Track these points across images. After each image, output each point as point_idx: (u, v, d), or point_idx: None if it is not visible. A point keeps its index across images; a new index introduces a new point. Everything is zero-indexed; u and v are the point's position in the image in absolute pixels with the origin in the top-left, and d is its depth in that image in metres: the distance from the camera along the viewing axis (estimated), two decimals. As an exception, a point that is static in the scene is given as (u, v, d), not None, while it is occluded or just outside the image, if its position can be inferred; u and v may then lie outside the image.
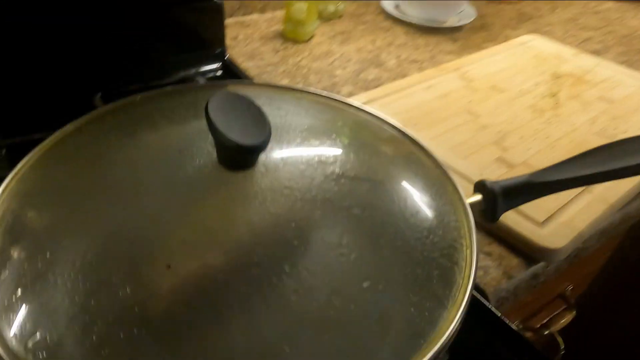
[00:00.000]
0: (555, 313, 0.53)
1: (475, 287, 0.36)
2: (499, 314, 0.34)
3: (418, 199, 0.29)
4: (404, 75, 0.61)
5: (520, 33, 0.77)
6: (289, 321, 0.21)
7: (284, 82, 0.57)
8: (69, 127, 0.29)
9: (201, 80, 0.54)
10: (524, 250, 0.39)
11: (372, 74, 0.61)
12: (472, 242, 0.27)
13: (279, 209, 0.25)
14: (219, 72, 0.57)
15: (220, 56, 0.58)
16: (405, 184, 0.29)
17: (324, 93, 0.34)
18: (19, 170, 0.26)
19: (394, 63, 0.64)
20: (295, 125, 0.30)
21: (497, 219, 0.31)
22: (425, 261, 0.25)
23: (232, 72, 0.57)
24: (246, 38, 0.66)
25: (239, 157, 0.24)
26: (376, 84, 0.59)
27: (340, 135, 0.32)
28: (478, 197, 0.31)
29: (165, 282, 0.22)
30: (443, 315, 0.23)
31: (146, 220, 0.24)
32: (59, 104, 0.46)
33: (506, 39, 0.75)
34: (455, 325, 0.23)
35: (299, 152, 0.28)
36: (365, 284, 0.23)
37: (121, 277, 0.21)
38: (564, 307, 0.53)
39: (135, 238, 0.23)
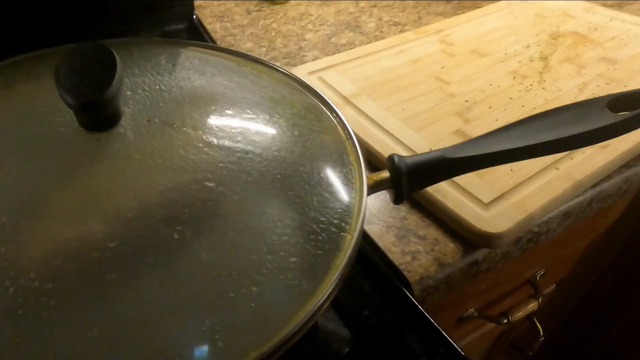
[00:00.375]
0: (519, 299, 0.49)
1: (397, 273, 0.34)
2: (416, 303, 0.31)
3: (314, 170, 0.26)
4: (381, 40, 0.57)
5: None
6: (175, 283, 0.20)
7: (247, 45, 0.54)
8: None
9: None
10: (462, 234, 0.35)
11: (344, 38, 0.57)
12: (355, 228, 0.24)
13: (137, 172, 0.23)
14: (184, 34, 0.55)
15: (186, 16, 0.56)
16: (297, 151, 0.26)
17: (253, 57, 0.32)
18: None
19: (372, 26, 0.60)
20: (200, 90, 0.28)
21: (402, 200, 0.27)
22: (296, 240, 0.23)
23: (198, 33, 0.55)
24: (220, -2, 0.63)
25: (83, 116, 0.22)
26: (347, 49, 0.55)
27: (250, 100, 0.29)
28: (385, 174, 0.28)
29: (37, 236, 0.21)
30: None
31: (10, 179, 0.23)
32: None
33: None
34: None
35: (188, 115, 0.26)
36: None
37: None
38: (530, 294, 0.49)
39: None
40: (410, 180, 0.27)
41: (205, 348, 0.20)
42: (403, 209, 0.38)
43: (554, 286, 0.64)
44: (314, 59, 0.52)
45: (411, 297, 0.32)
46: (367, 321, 0.32)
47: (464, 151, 0.27)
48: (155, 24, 0.54)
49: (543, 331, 0.56)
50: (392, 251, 0.35)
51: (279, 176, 0.24)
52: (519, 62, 0.52)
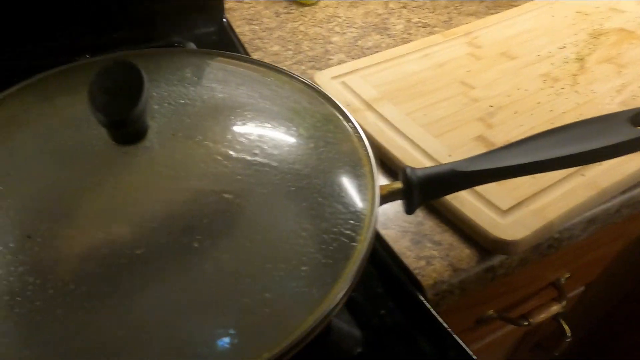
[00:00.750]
0: (541, 302, 0.49)
1: (410, 277, 0.35)
2: (428, 305, 0.32)
3: (327, 182, 0.27)
4: (408, 42, 0.57)
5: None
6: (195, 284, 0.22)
7: (274, 49, 0.55)
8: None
9: (190, 47, 0.54)
10: (477, 240, 0.36)
11: (371, 40, 0.57)
12: (365, 239, 0.25)
13: (169, 181, 0.25)
14: (213, 37, 0.57)
15: (216, 19, 0.57)
16: (312, 163, 0.28)
17: (275, 67, 0.34)
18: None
19: (400, 28, 0.60)
20: (223, 103, 0.30)
21: (413, 211, 0.28)
22: (308, 249, 0.24)
23: (227, 37, 0.56)
24: (251, 0, 0.65)
25: (113, 132, 0.24)
26: (373, 52, 0.55)
27: (269, 112, 0.31)
28: (398, 185, 0.29)
29: (71, 243, 0.23)
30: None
31: (45, 190, 0.25)
32: (41, 64, 0.48)
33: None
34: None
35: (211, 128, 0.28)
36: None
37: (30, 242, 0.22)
38: (553, 297, 0.49)
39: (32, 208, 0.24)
40: (421, 192, 0.28)
41: (221, 348, 0.21)
42: (420, 214, 0.39)
43: (582, 288, 0.63)
44: (339, 63, 0.53)
45: (424, 300, 0.33)
46: (379, 322, 0.33)
47: (476, 164, 0.27)
48: (185, 28, 0.56)
49: (571, 332, 0.56)
50: (406, 255, 0.36)
51: (293, 188, 0.26)
52: (552, 64, 0.51)
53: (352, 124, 0.31)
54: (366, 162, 0.29)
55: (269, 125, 0.29)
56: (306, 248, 0.24)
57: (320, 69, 0.52)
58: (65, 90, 0.32)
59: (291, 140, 0.29)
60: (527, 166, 0.27)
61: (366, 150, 0.30)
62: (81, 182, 0.25)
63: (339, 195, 0.27)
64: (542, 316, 0.47)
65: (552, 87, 0.48)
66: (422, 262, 0.35)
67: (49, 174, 0.25)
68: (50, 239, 0.22)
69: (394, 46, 0.56)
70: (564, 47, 0.54)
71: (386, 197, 0.29)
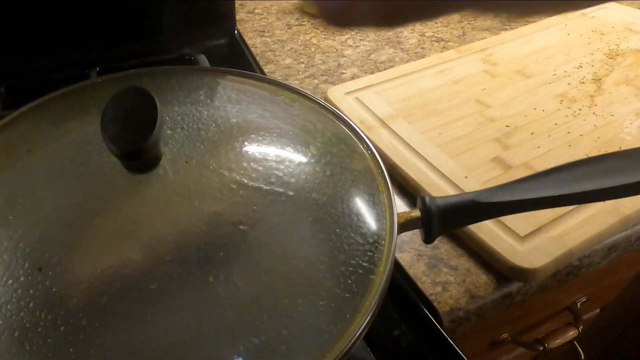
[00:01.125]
0: (557, 326, 0.48)
1: (426, 303, 0.34)
2: (444, 333, 0.31)
3: (345, 211, 0.27)
4: (421, 57, 0.56)
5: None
6: (208, 312, 0.21)
7: (286, 61, 0.55)
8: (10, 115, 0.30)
9: (201, 60, 0.53)
10: (495, 266, 0.35)
11: (384, 54, 0.57)
12: (384, 271, 0.24)
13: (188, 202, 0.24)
14: (225, 49, 0.57)
15: (228, 32, 0.57)
16: (328, 191, 0.27)
17: (286, 85, 0.33)
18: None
19: (414, 42, 0.59)
20: (236, 125, 0.29)
21: (432, 241, 0.28)
22: (325, 283, 0.24)
23: (238, 49, 0.56)
24: (263, 11, 0.64)
25: (126, 162, 0.24)
26: (386, 66, 0.55)
27: (282, 134, 0.30)
28: (417, 213, 0.28)
29: (83, 276, 0.22)
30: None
31: (55, 219, 0.24)
32: (53, 78, 0.48)
33: (568, 8, 0.66)
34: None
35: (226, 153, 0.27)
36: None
37: (42, 265, 0.22)
38: (569, 321, 0.48)
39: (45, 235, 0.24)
40: (440, 222, 0.27)
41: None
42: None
43: (597, 311, 0.62)
44: (352, 77, 0.52)
45: (440, 327, 0.33)
46: (394, 347, 0.32)
47: (497, 196, 0.26)
48: (197, 40, 0.55)
49: (584, 353, 0.54)
50: (422, 281, 0.35)
51: (310, 219, 0.25)
52: (568, 84, 0.50)
53: (367, 144, 0.31)
54: (383, 189, 0.29)
55: (284, 150, 0.28)
56: (324, 281, 0.23)
57: (333, 82, 0.51)
58: (75, 111, 0.31)
59: (307, 166, 0.28)
60: (552, 199, 0.26)
61: (384, 177, 0.29)
62: (92, 211, 0.24)
63: (357, 225, 0.26)
64: (558, 341, 0.46)
65: (569, 107, 0.47)
66: (439, 288, 0.34)
67: (59, 203, 0.24)
68: (62, 271, 0.22)
69: (407, 60, 0.55)
70: (580, 66, 0.53)
71: (404, 226, 0.28)
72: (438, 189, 0.38)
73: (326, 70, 0.54)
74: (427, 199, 0.28)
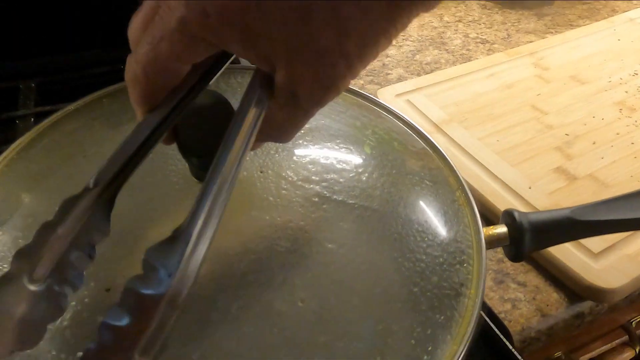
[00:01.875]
0: (612, 346, 0.46)
1: (497, 322, 0.32)
2: (516, 354, 0.29)
3: (420, 225, 0.25)
4: (467, 59, 0.54)
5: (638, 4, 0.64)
6: (276, 336, 0.20)
7: (329, 62, 0.53)
8: (58, 114, 0.28)
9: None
10: (568, 284, 0.33)
11: (429, 55, 0.55)
12: (477, 293, 0.22)
13: (268, 216, 0.22)
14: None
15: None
16: (410, 205, 0.25)
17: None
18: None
19: (458, 43, 0.57)
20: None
21: (522, 259, 0.26)
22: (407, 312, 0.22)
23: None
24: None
25: (197, 170, 0.22)
26: (432, 67, 0.53)
27: (353, 142, 0.28)
28: (502, 229, 0.26)
29: None
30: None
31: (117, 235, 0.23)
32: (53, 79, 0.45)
33: (613, 13, 0.64)
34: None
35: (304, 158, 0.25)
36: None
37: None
38: (624, 341, 0.46)
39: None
40: (533, 240, 0.25)
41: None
42: (499, 250, 0.36)
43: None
44: (398, 77, 0.50)
45: (512, 349, 0.31)
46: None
47: (596, 214, 0.24)
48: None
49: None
50: (490, 297, 0.33)
51: (396, 235, 0.23)
52: (626, 92, 0.48)
53: (442, 155, 0.29)
54: (464, 203, 0.27)
55: (363, 160, 0.27)
56: (418, 306, 0.22)
57: (379, 83, 0.49)
58: (131, 113, 0.29)
59: (387, 178, 0.26)
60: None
61: (464, 190, 0.27)
62: (154, 226, 0.22)
63: (443, 243, 0.24)
64: (613, 360, 0.44)
65: (629, 117, 0.45)
66: (508, 305, 0.32)
67: (120, 217, 0.23)
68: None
69: (453, 62, 0.53)
70: (636, 73, 0.51)
71: (490, 243, 0.26)
72: (502, 199, 0.36)
73: (371, 71, 0.52)
74: (516, 213, 0.26)
